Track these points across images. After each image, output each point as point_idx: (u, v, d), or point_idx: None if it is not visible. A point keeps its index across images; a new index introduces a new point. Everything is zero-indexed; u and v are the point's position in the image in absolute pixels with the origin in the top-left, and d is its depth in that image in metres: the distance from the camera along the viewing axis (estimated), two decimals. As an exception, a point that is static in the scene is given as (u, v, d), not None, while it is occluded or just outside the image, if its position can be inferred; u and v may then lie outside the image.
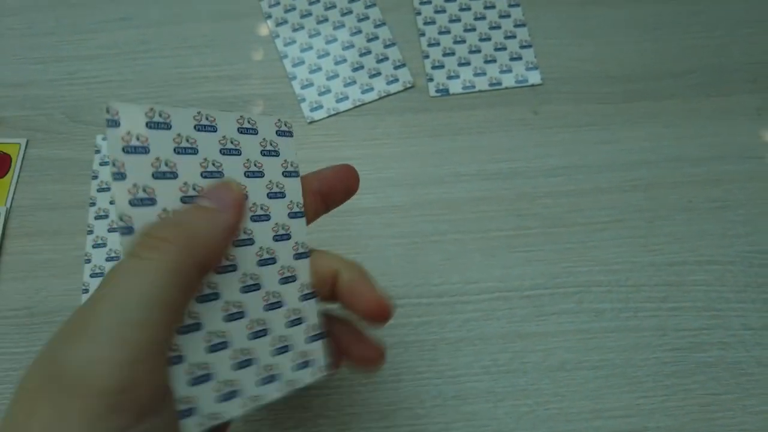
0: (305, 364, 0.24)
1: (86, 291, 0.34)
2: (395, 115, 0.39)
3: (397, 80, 0.38)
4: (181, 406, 0.20)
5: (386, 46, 0.39)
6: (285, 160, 0.25)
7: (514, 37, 0.40)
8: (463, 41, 0.40)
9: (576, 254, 0.35)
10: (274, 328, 0.23)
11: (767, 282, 0.34)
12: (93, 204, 0.36)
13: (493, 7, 0.41)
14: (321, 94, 0.38)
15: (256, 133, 0.25)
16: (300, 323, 0.24)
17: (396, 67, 0.39)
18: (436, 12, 0.41)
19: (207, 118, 0.23)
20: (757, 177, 0.37)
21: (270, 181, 0.24)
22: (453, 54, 0.40)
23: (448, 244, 0.35)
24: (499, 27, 0.40)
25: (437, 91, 0.39)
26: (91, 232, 0.35)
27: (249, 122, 0.24)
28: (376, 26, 0.40)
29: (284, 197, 0.25)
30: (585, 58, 0.40)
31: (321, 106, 0.38)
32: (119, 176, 0.20)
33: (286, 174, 0.25)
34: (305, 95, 0.39)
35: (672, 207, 0.36)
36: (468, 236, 0.35)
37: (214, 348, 0.21)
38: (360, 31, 0.40)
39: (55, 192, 0.37)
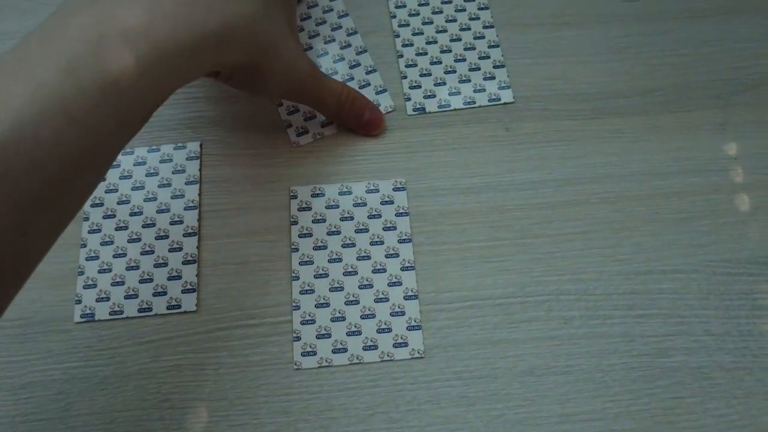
0: (402, 345, 0.34)
1: (79, 302, 0.36)
2: (374, 132, 0.40)
3: (378, 104, 0.40)
4: (306, 348, 0.34)
5: (368, 72, 0.41)
6: (398, 206, 0.37)
7: (488, 57, 0.42)
8: (440, 62, 0.42)
9: (546, 264, 0.36)
10: (379, 315, 0.34)
11: (729, 290, 0.36)
12: (86, 218, 0.38)
13: (468, 29, 0.43)
14: (306, 119, 0.40)
15: (378, 191, 0.38)
16: (402, 315, 0.34)
17: (378, 93, 0.41)
18: (414, 34, 0.43)
19: (346, 187, 0.38)
20: (721, 189, 0.39)
21: (386, 220, 0.37)
22: (430, 75, 0.42)
23: (423, 255, 0.37)
24: (473, 48, 0.43)
25: (414, 109, 0.41)
26: (84, 245, 0.37)
27: (374, 185, 0.38)
28: (358, 53, 0.42)
29: (396, 229, 0.37)
30: (555, 77, 0.42)
31: (306, 131, 0.40)
32: (294, 223, 0.37)
33: (398, 215, 0.37)
34: (291, 120, 0.41)
35: (639, 219, 0.38)
36: (443, 247, 0.37)
37: (334, 319, 0.34)
38: (343, 59, 0.42)
39: (50, 208, 0.39)
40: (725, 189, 0.39)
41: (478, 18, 0.44)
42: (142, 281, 0.36)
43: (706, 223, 0.38)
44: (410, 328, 0.34)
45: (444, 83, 0.41)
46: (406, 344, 0.34)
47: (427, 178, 0.39)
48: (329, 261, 0.36)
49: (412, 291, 0.35)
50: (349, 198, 0.38)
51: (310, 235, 0.37)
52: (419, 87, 0.41)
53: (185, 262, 0.36)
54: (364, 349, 0.34)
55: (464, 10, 0.44)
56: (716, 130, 0.40)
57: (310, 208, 0.38)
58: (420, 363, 0.34)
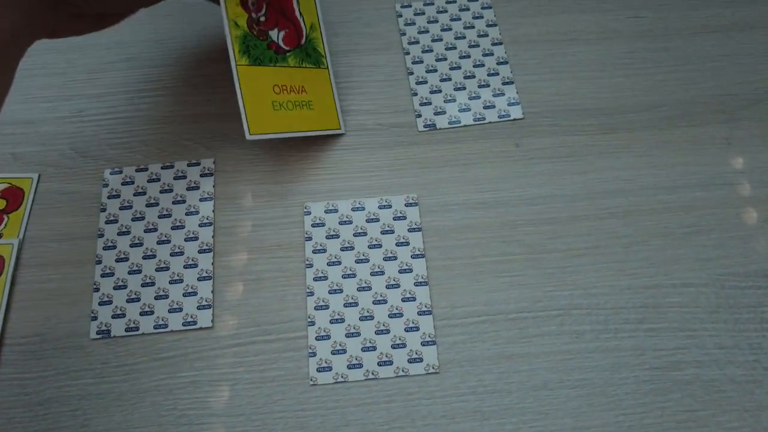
0: (417, 360, 0.34)
1: (95, 318, 0.36)
2: (386, 148, 0.41)
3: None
4: (322, 364, 0.34)
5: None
6: (410, 221, 0.38)
7: (497, 74, 0.43)
8: (449, 79, 0.43)
9: (557, 279, 0.37)
10: (393, 330, 0.35)
11: (738, 303, 0.36)
12: (101, 235, 0.38)
13: (477, 46, 0.44)
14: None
15: (391, 207, 0.38)
16: (416, 330, 0.35)
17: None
18: (424, 52, 0.44)
19: (359, 203, 0.38)
20: (728, 203, 0.39)
21: (399, 236, 0.38)
22: (440, 91, 0.42)
23: (436, 270, 0.37)
24: (483, 65, 0.43)
25: (425, 126, 0.41)
26: (99, 261, 0.38)
27: (386, 201, 0.38)
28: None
29: (408, 244, 0.37)
30: (563, 93, 0.43)
31: (316, 141, 0.41)
32: (308, 239, 0.38)
33: (411, 230, 0.38)
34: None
35: (647, 233, 0.38)
36: (455, 262, 0.37)
37: (349, 335, 0.35)
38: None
39: (65, 224, 0.39)
40: (732, 203, 0.39)
41: (486, 35, 0.44)
42: (157, 297, 0.36)
43: (714, 236, 0.38)
44: (425, 343, 0.35)
45: (454, 100, 0.42)
46: (420, 360, 0.34)
47: (439, 194, 0.39)
48: (343, 276, 0.36)
49: (425, 306, 0.36)
50: (362, 214, 0.38)
51: (324, 250, 0.37)
52: (429, 104, 0.42)
53: (201, 279, 0.37)
54: (379, 364, 0.34)
55: (473, 27, 0.45)
56: (722, 145, 0.41)
57: (323, 224, 0.38)
58: (435, 378, 0.34)
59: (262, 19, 0.40)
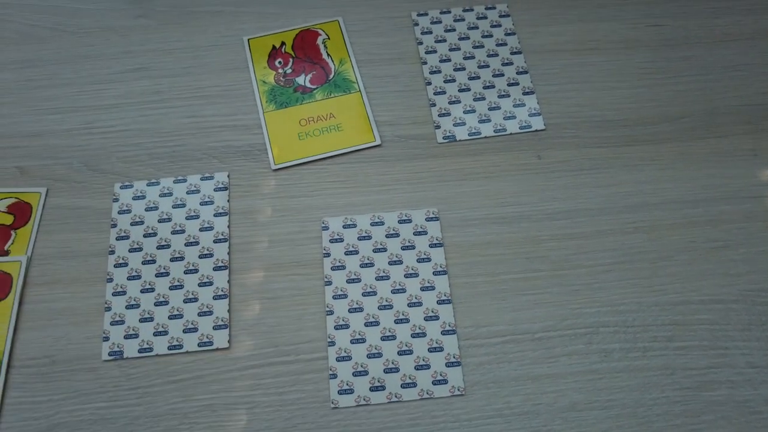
0: (442, 382, 0.33)
1: (107, 339, 0.35)
2: (404, 161, 0.40)
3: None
4: (343, 386, 0.33)
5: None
6: (431, 236, 0.36)
7: (517, 84, 0.42)
8: (468, 89, 0.42)
9: (583, 296, 0.36)
10: (417, 351, 0.33)
11: (769, 320, 0.35)
12: (112, 252, 0.37)
13: (496, 55, 0.43)
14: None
15: (411, 221, 0.37)
16: (440, 351, 0.33)
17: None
18: (441, 61, 0.43)
19: (378, 217, 0.37)
20: (755, 217, 0.38)
21: (420, 251, 0.36)
22: (459, 102, 0.41)
23: (458, 288, 0.36)
24: (502, 74, 0.42)
25: (444, 137, 0.40)
26: (110, 279, 0.36)
27: (406, 215, 0.37)
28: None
29: (430, 261, 0.36)
30: (584, 104, 0.42)
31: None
32: (327, 255, 0.36)
33: (432, 245, 0.36)
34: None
35: (674, 248, 0.37)
36: (478, 279, 0.36)
37: (370, 356, 0.33)
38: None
39: (74, 240, 0.38)
40: (759, 216, 0.38)
41: (505, 44, 0.43)
42: (171, 317, 0.35)
43: (743, 251, 0.37)
44: (449, 364, 0.34)
45: (474, 110, 0.41)
46: (446, 381, 0.33)
47: (459, 208, 0.38)
48: (363, 294, 0.35)
49: (449, 325, 0.35)
50: (382, 229, 0.37)
51: (343, 267, 0.36)
52: (448, 114, 0.41)
53: (216, 297, 0.36)
54: (403, 386, 0.33)
55: (491, 36, 0.44)
56: (748, 156, 0.40)
57: (342, 240, 0.37)
58: (460, 400, 0.33)
59: (289, 71, 0.43)
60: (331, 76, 0.42)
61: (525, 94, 0.42)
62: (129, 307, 0.35)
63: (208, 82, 0.43)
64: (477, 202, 0.39)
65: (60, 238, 0.38)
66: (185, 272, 0.36)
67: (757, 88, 0.42)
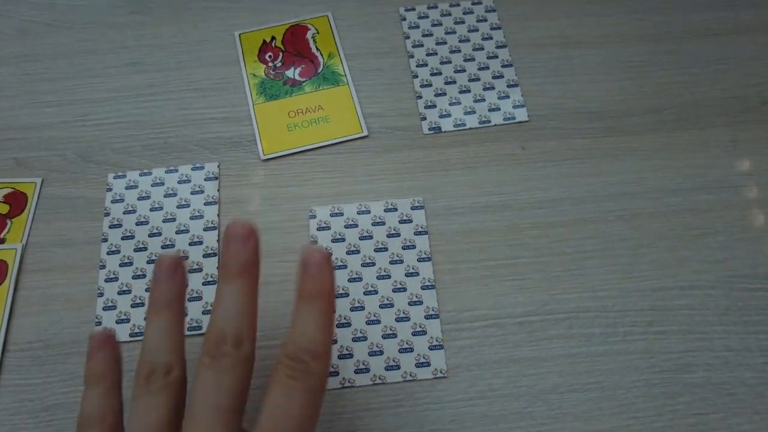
0: (425, 365, 0.34)
1: (99, 323, 0.36)
2: (391, 152, 0.41)
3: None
4: (330, 369, 0.33)
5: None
6: (416, 225, 0.38)
7: (501, 77, 0.43)
8: (454, 82, 0.43)
9: (564, 282, 0.37)
10: (401, 334, 0.34)
11: (747, 305, 0.36)
12: (105, 240, 0.38)
13: (481, 48, 0.44)
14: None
15: (397, 210, 0.38)
16: (424, 334, 0.34)
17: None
18: (428, 55, 0.44)
19: (365, 206, 0.38)
20: (733, 205, 0.39)
21: (405, 239, 0.37)
22: (444, 94, 0.42)
23: (442, 274, 0.37)
24: (487, 68, 0.43)
25: (430, 129, 0.41)
26: (103, 266, 0.37)
27: (392, 204, 0.38)
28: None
29: (415, 248, 0.37)
30: (568, 96, 0.43)
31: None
32: (314, 242, 0.37)
33: (417, 233, 0.37)
34: (306, 134, 0.41)
35: (654, 235, 0.38)
36: (462, 266, 0.37)
37: (355, 339, 0.34)
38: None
39: (68, 229, 0.39)
40: (738, 205, 0.39)
41: (491, 38, 0.44)
42: (162, 302, 0.36)
43: (721, 239, 0.38)
44: (432, 347, 0.34)
45: (459, 102, 0.42)
46: (428, 364, 0.34)
47: (445, 197, 0.39)
48: (349, 280, 0.36)
49: (433, 310, 0.35)
50: (368, 217, 0.38)
51: (330, 254, 0.37)
52: (434, 107, 0.42)
53: (205, 283, 0.36)
54: (387, 369, 0.34)
55: (477, 30, 0.45)
56: (727, 148, 0.41)
57: (329, 228, 0.38)
58: (443, 383, 0.34)
59: (279, 65, 0.43)
60: (320, 70, 0.43)
61: (509, 86, 0.43)
62: (121, 292, 0.36)
63: (200, 76, 0.44)
64: (461, 191, 0.39)
65: (55, 226, 0.39)
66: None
67: (737, 81, 0.43)
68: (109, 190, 0.40)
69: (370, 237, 0.37)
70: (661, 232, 0.38)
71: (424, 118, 0.42)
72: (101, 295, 0.36)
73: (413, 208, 0.38)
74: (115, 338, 0.28)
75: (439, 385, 0.34)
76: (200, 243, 0.38)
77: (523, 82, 0.43)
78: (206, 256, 0.37)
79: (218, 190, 0.39)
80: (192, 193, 0.39)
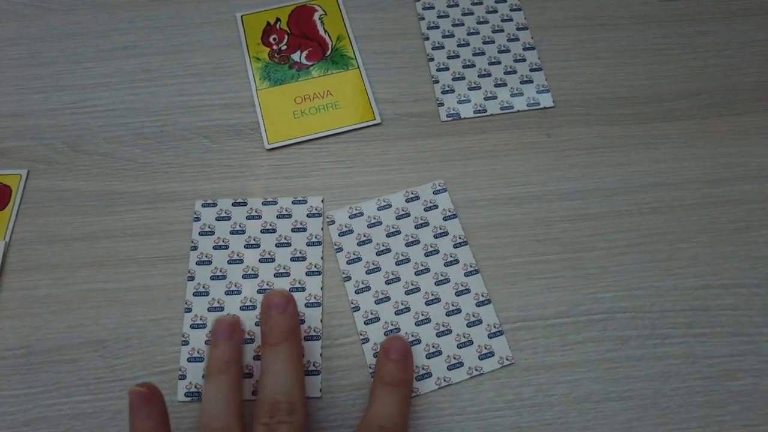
0: (489, 355, 0.31)
1: (183, 377, 0.32)
2: (406, 140, 0.38)
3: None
4: None
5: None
6: (443, 209, 0.34)
7: (523, 60, 0.40)
8: (473, 65, 0.40)
9: (598, 280, 0.34)
10: (456, 328, 0.32)
11: (796, 305, 0.33)
12: (192, 279, 0.33)
13: (501, 30, 0.41)
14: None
15: (419, 198, 0.35)
16: (479, 324, 0.32)
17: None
18: (444, 37, 0.41)
19: (384, 200, 0.35)
20: (778, 197, 0.36)
21: (435, 227, 0.34)
22: (463, 78, 0.39)
23: (465, 272, 0.34)
24: (508, 50, 0.40)
25: (448, 115, 0.38)
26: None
27: (412, 192, 0.35)
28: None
29: (448, 234, 0.34)
30: (594, 81, 0.40)
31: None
32: (339, 250, 0.34)
33: (446, 218, 0.34)
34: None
35: (693, 229, 0.35)
36: (486, 263, 0.34)
37: (411, 343, 0.31)
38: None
39: (56, 224, 0.36)
40: (782, 196, 0.36)
41: (511, 19, 0.41)
42: (158, 304, 0.33)
43: (766, 233, 0.35)
44: (492, 335, 0.32)
45: (479, 87, 0.39)
46: (492, 354, 0.31)
47: (466, 188, 0.36)
48: (386, 282, 0.33)
49: (483, 295, 0.33)
50: (390, 212, 0.35)
51: (359, 259, 0.34)
52: (452, 91, 0.39)
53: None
54: (449, 368, 0.31)
55: (496, 11, 0.42)
56: (768, 135, 0.38)
57: (351, 231, 0.34)
58: (467, 391, 0.31)
59: (284, 48, 0.40)
60: (329, 53, 0.40)
61: (532, 70, 0.39)
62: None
63: (199, 60, 0.41)
64: (483, 182, 0.36)
65: (41, 222, 0.36)
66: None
67: (776, 63, 0.40)
68: (197, 219, 0.35)
69: (398, 232, 0.34)
70: (700, 225, 0.35)
71: (442, 104, 0.38)
72: (186, 343, 0.32)
73: (435, 192, 0.35)
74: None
75: (463, 394, 0.31)
76: (303, 290, 0.33)
77: (547, 66, 0.40)
78: (308, 305, 0.33)
79: (322, 229, 0.35)
80: (293, 231, 0.35)
